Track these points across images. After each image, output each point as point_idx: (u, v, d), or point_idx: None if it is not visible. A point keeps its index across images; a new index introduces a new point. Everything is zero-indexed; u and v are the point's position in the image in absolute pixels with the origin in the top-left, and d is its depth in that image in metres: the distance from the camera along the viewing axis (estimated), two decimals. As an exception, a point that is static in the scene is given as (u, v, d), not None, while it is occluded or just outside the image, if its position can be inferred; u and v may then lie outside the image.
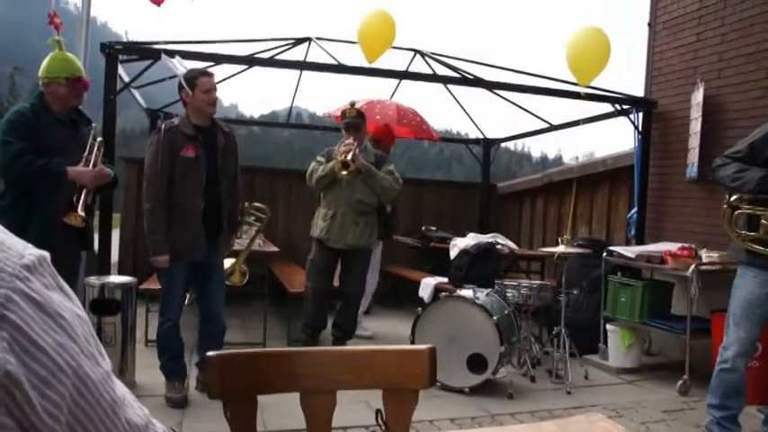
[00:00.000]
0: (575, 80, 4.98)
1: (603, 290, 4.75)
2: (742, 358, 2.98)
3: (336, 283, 4.67)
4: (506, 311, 4.05)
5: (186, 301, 4.08)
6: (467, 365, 3.85)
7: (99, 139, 3.26)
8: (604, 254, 4.78)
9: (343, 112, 4.55)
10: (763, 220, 2.84)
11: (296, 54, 6.23)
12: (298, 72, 6.37)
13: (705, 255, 4.28)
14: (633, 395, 4.04)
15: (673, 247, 4.48)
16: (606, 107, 5.76)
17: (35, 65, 3.20)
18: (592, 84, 4.95)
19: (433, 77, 5.78)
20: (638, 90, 5.87)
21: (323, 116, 19.19)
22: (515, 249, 5.85)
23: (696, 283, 4.01)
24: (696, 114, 4.98)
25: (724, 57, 4.87)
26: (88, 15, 4.77)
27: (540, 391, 4.02)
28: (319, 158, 4.56)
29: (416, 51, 6.36)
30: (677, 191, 5.28)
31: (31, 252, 0.46)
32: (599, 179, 6.41)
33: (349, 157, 4.20)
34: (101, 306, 3.56)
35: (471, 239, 5.74)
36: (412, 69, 6.19)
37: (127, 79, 5.04)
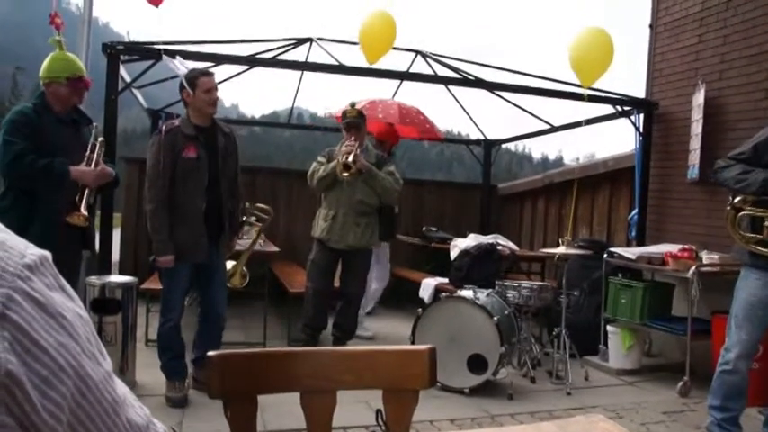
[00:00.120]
0: (576, 81, 4.97)
1: (604, 291, 4.75)
2: (744, 360, 2.98)
3: (337, 283, 4.68)
4: (507, 312, 4.05)
5: (187, 302, 4.09)
6: (467, 366, 3.85)
7: (100, 138, 3.26)
8: (605, 255, 4.78)
9: (344, 113, 4.54)
10: (766, 222, 2.84)
11: (297, 54, 6.24)
12: (299, 72, 6.36)
13: (706, 256, 4.28)
14: (633, 396, 4.04)
15: (673, 248, 4.48)
16: (607, 108, 5.74)
17: (38, 65, 3.20)
18: (593, 85, 4.95)
19: (434, 78, 5.78)
20: (639, 91, 5.85)
21: (324, 116, 19.17)
22: (516, 250, 5.85)
23: (697, 285, 4.01)
24: (697, 116, 4.97)
25: (726, 58, 4.86)
26: (90, 16, 4.78)
27: (540, 391, 4.02)
28: (320, 159, 4.56)
29: (417, 52, 6.35)
30: (678, 192, 5.28)
31: (32, 252, 0.46)
32: (600, 180, 6.41)
33: (350, 158, 4.20)
34: (101, 305, 3.57)
35: (472, 240, 5.74)
36: (413, 70, 6.18)
37: (128, 79, 5.04)
